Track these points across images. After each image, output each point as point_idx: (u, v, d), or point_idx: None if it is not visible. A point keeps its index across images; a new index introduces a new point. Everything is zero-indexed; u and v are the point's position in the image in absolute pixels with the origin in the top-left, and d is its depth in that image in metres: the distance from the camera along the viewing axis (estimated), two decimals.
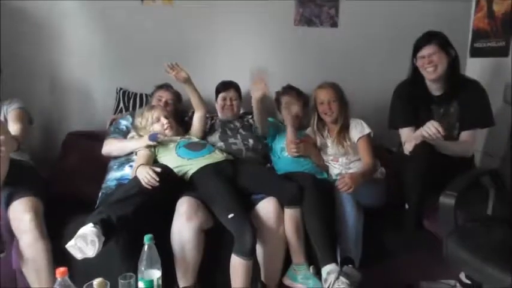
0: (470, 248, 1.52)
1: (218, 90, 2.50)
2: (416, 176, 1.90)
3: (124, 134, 2.28)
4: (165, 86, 2.48)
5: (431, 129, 1.90)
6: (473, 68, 2.67)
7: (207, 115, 2.51)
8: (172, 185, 1.96)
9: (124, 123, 2.34)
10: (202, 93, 2.59)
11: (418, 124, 2.13)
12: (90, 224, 1.60)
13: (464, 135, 2.11)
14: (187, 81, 2.20)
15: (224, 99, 2.46)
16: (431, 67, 2.06)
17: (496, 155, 2.00)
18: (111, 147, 2.19)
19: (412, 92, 2.19)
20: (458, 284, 2.07)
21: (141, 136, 2.17)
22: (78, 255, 1.56)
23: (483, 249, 1.50)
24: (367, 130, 2.20)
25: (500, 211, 1.78)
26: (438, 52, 2.06)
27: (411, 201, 2.00)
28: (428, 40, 2.08)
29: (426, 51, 2.07)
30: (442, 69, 2.07)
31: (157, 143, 2.08)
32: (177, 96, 2.50)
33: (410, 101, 2.19)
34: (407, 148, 1.94)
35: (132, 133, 2.25)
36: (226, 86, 2.49)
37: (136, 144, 2.12)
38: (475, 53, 2.76)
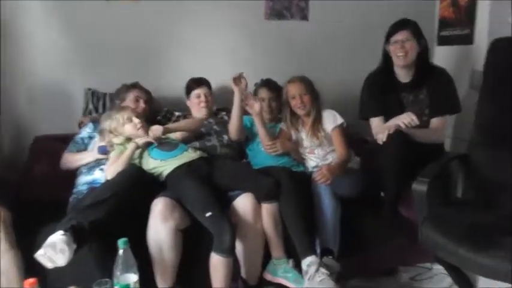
0: (444, 232, 1.56)
1: (190, 88, 2.44)
2: (391, 164, 1.93)
3: (80, 147, 2.21)
4: (137, 85, 2.41)
5: (406, 119, 1.97)
6: (441, 56, 2.73)
7: (180, 113, 2.48)
8: (146, 186, 1.92)
9: (81, 135, 2.26)
10: (173, 91, 2.59)
11: (388, 113, 2.17)
12: (60, 232, 1.54)
13: (435, 121, 2.16)
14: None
15: (199, 96, 2.41)
16: (403, 52, 2.10)
17: (464, 139, 2.05)
18: (66, 163, 2.17)
19: (381, 81, 2.24)
20: (434, 267, 2.14)
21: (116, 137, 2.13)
22: (49, 265, 1.51)
23: (456, 231, 1.55)
24: (339, 120, 2.21)
25: (469, 194, 1.84)
26: (410, 39, 2.11)
27: (387, 189, 2.03)
28: (403, 26, 2.13)
29: (400, 36, 2.12)
30: (412, 56, 2.13)
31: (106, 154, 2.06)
32: (150, 95, 2.45)
33: (380, 90, 2.23)
34: (381, 138, 1.97)
35: (96, 138, 2.19)
36: (199, 82, 2.43)
37: (88, 157, 2.12)
38: (442, 41, 2.81)
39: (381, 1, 2.76)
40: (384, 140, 1.96)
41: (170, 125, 2.26)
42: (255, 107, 2.18)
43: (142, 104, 2.33)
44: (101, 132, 2.17)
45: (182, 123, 2.34)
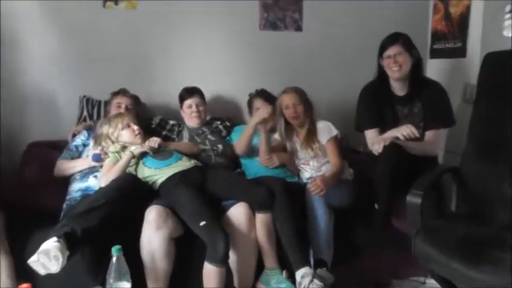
0: (437, 245, 1.56)
1: (182, 98, 2.44)
2: (385, 176, 1.93)
3: (74, 155, 2.21)
4: (122, 91, 2.41)
5: (406, 130, 2.00)
6: (433, 69, 2.76)
7: (174, 122, 2.48)
8: (140, 194, 1.92)
9: (75, 143, 2.25)
10: (167, 98, 2.60)
11: (383, 125, 2.19)
12: (54, 238, 1.54)
13: (429, 134, 2.17)
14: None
15: (190, 106, 2.41)
16: (397, 66, 2.13)
17: (457, 152, 2.07)
18: (60, 170, 2.16)
19: (377, 93, 2.25)
20: (427, 280, 2.13)
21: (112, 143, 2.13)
22: (42, 271, 1.50)
23: (449, 245, 1.54)
24: (334, 132, 2.22)
25: (463, 207, 1.85)
26: (403, 52, 2.13)
27: (381, 200, 2.03)
28: (394, 40, 2.15)
29: (392, 50, 2.14)
30: (406, 68, 2.14)
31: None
32: (135, 100, 2.45)
33: (376, 102, 2.24)
34: (376, 149, 1.98)
35: (90, 146, 2.19)
36: (190, 92, 2.43)
37: (82, 165, 2.12)
38: (435, 54, 2.84)
39: (375, 14, 2.80)
40: (380, 151, 1.97)
41: (169, 143, 2.27)
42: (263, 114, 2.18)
43: (123, 111, 2.32)
44: (97, 138, 2.16)
45: (181, 145, 2.31)
